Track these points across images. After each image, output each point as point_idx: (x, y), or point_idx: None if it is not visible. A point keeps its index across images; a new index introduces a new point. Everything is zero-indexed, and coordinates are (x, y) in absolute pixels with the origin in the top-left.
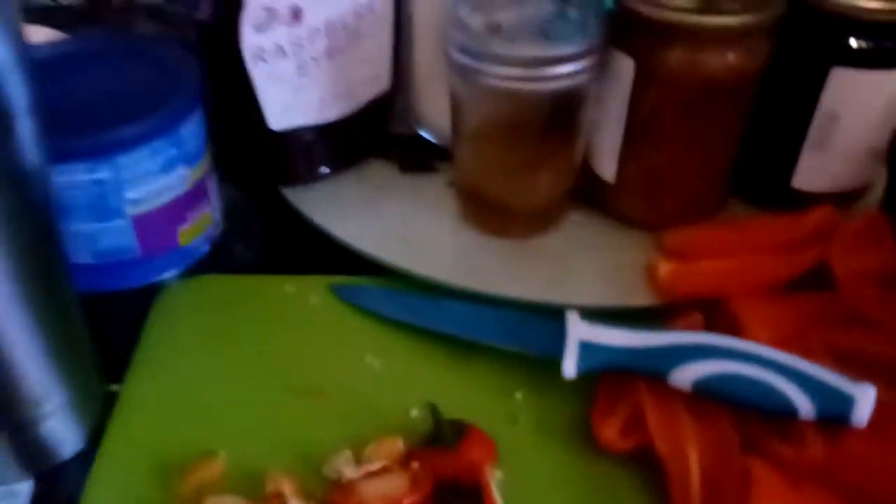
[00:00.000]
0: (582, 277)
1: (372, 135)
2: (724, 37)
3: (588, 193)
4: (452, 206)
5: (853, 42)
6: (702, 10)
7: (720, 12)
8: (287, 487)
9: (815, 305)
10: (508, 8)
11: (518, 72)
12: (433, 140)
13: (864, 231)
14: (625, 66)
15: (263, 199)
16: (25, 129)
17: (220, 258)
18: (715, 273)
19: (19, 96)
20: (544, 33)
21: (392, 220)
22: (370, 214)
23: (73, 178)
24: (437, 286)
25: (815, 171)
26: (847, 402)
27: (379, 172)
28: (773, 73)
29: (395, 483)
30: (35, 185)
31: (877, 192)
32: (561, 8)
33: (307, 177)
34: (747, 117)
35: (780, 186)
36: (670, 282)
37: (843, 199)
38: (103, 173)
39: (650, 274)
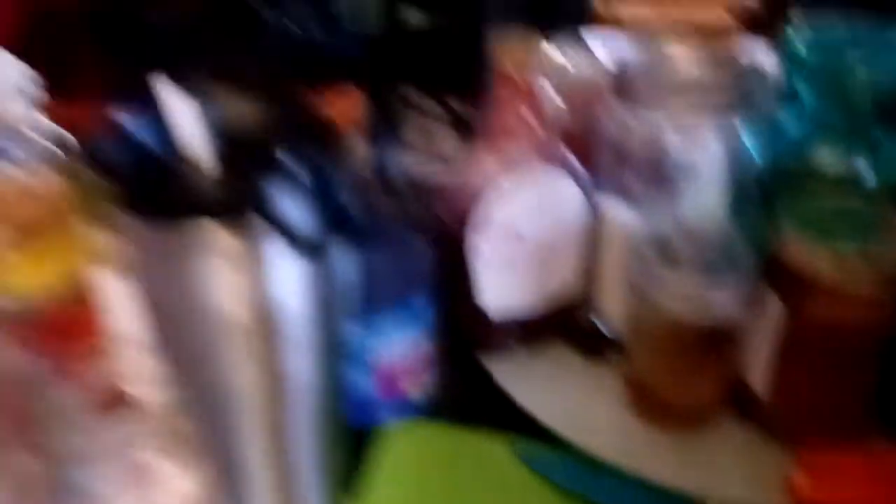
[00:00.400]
0: (724, 472)
1: (561, 324)
2: (866, 295)
3: (739, 399)
4: (619, 392)
5: None
6: (845, 274)
7: (862, 280)
8: None
9: None
10: (678, 242)
11: (686, 296)
12: (608, 332)
13: None
14: (773, 304)
15: (468, 361)
16: None
17: (434, 409)
18: (845, 495)
19: None
20: (706, 266)
21: (570, 397)
22: (551, 388)
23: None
24: (598, 459)
25: None
26: None
27: (562, 354)
28: None
29: None
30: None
31: None
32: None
33: (501, 349)
34: (883, 363)
35: None
36: (806, 497)
37: None
38: (359, 335)
39: (789, 485)
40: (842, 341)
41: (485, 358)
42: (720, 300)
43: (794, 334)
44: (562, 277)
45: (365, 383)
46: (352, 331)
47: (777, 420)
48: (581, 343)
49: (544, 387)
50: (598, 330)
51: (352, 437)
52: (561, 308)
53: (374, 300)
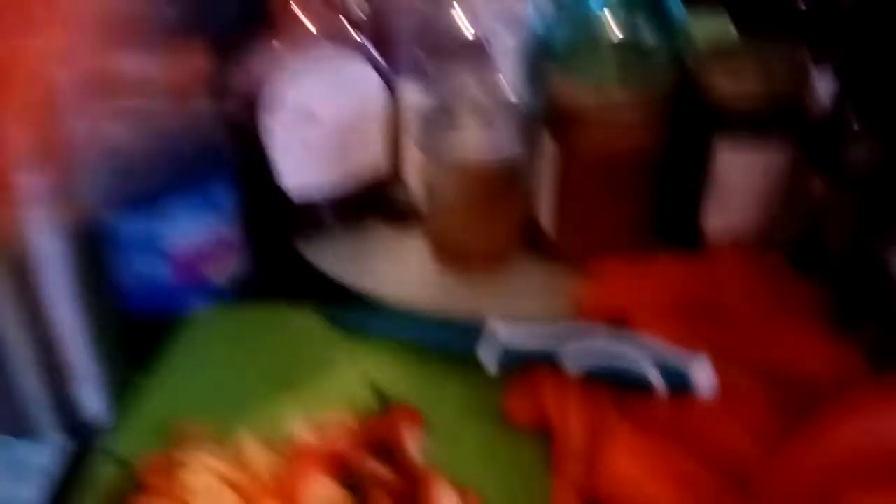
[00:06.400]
0: (522, 299)
1: (371, 203)
2: (627, 126)
3: (534, 238)
4: (425, 252)
5: (734, 127)
6: (603, 102)
7: (618, 105)
8: (248, 436)
9: (698, 321)
10: (463, 112)
11: (466, 152)
12: (413, 202)
13: (759, 271)
14: (551, 148)
15: (280, 247)
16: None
17: (241, 295)
18: (622, 294)
19: None
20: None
21: (379, 262)
22: (362, 258)
23: (127, 223)
24: (410, 308)
25: (718, 224)
26: (687, 373)
27: (373, 227)
28: (674, 149)
29: (335, 437)
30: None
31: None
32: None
33: (314, 232)
34: (656, 180)
35: (691, 234)
36: (586, 300)
37: (748, 247)
38: (148, 225)
39: (574, 297)
40: (610, 166)
41: (298, 240)
42: (500, 148)
43: (568, 167)
44: (366, 157)
45: (161, 270)
46: (137, 218)
47: (564, 248)
48: (390, 216)
49: (357, 259)
50: (404, 202)
51: (150, 325)
52: (371, 186)
53: (166, 186)
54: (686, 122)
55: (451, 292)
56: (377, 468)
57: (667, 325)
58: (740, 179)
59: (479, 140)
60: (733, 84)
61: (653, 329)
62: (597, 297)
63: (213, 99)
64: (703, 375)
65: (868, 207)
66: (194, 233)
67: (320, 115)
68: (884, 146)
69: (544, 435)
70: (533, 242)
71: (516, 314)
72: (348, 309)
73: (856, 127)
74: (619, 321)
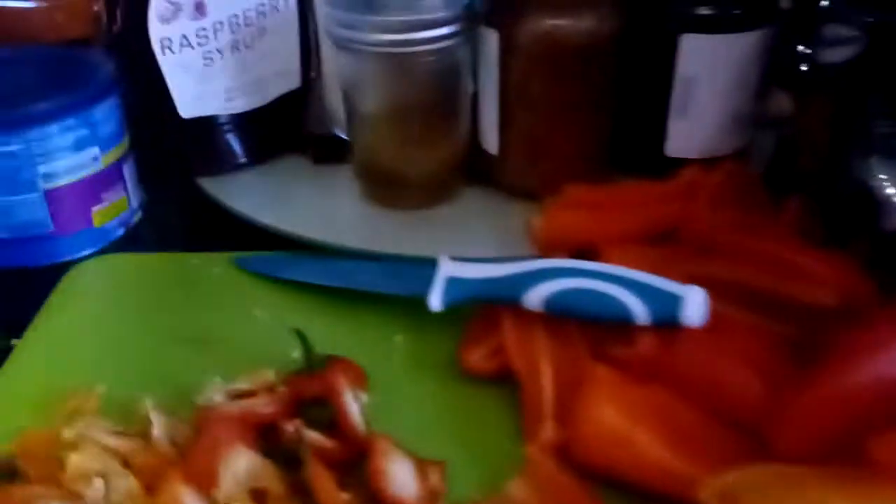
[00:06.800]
0: (468, 238)
1: (287, 131)
2: (574, 4)
3: (479, 169)
4: (357, 188)
5: (698, 10)
6: None
7: None
8: (150, 405)
9: (677, 247)
10: None
11: (391, 38)
12: (345, 137)
13: (729, 187)
14: (490, 39)
15: (182, 189)
16: None
17: (136, 242)
18: (586, 222)
19: None
20: (414, 5)
21: (301, 202)
22: (282, 198)
23: None
24: (338, 251)
25: (683, 137)
26: (677, 302)
27: (294, 165)
28: (632, 42)
29: (254, 400)
30: None
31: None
32: None
33: (224, 168)
34: (611, 85)
35: (654, 154)
36: (544, 233)
37: (715, 165)
38: (15, 146)
39: (529, 230)
40: (560, 59)
41: (204, 181)
42: (427, 36)
43: (512, 64)
44: (275, 65)
45: (34, 211)
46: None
47: (512, 175)
48: (314, 150)
49: (272, 196)
50: (332, 136)
51: (24, 278)
52: (283, 102)
53: (35, 105)
54: (646, 4)
55: (384, 232)
56: (310, 435)
57: (639, 254)
58: (707, 75)
59: (406, 24)
60: None
61: (623, 260)
62: (554, 229)
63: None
64: (695, 306)
65: (843, 111)
66: (73, 164)
67: (217, 17)
68: (864, 33)
69: (507, 385)
70: (478, 174)
71: (456, 253)
72: (264, 255)
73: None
74: (582, 254)
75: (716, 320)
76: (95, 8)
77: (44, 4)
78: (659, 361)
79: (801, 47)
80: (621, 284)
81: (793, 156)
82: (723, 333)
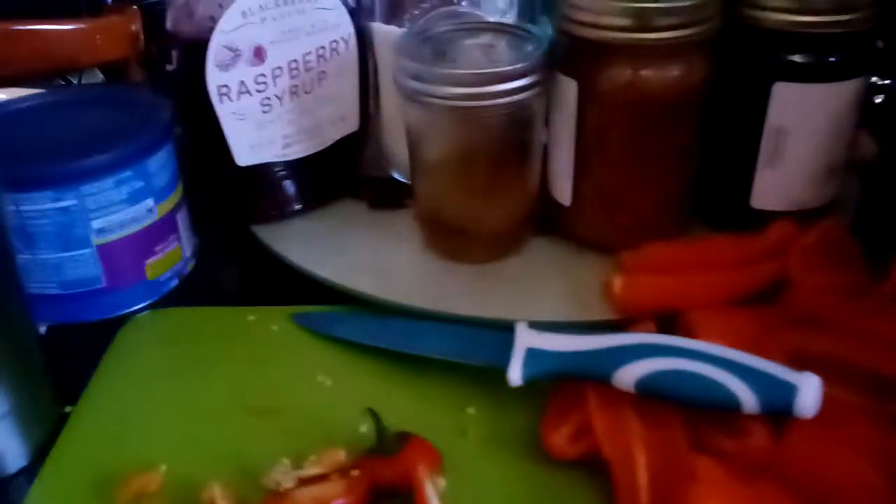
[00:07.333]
0: (540, 296)
1: (343, 175)
2: (660, 54)
3: (549, 220)
4: (418, 237)
5: (792, 57)
6: (637, 29)
7: (655, 29)
8: (217, 492)
9: (772, 315)
10: (453, 40)
11: (464, 91)
12: (403, 180)
13: (822, 244)
14: (568, 88)
15: (235, 236)
16: None
17: (189, 294)
18: (671, 286)
19: None
20: (487, 57)
21: (359, 252)
22: (338, 247)
23: (40, 207)
24: (401, 310)
25: (771, 188)
26: (790, 391)
27: (349, 211)
28: (719, 90)
29: (329, 487)
30: None
31: (847, 211)
32: (500, 36)
33: (277, 215)
34: (696, 136)
35: (739, 207)
36: (625, 295)
37: (805, 218)
38: (69, 201)
39: (607, 290)
40: (642, 110)
41: (258, 229)
42: (502, 89)
43: (590, 114)
44: (333, 112)
45: (85, 267)
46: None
47: (586, 228)
48: (370, 195)
49: (330, 247)
50: (389, 178)
51: (77, 339)
52: (341, 156)
53: (87, 158)
54: (737, 51)
55: (448, 288)
56: None
57: (732, 323)
58: (800, 124)
59: (479, 77)
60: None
61: (715, 330)
62: (636, 291)
63: (148, 55)
64: (810, 395)
65: None
66: (128, 218)
67: (276, 62)
68: None
69: (594, 469)
70: (549, 225)
71: (529, 314)
72: (322, 310)
73: None
74: (665, 319)
75: (828, 406)
76: (133, 28)
77: (82, 26)
78: (770, 455)
79: (875, 79)
80: (728, 369)
81: (888, 203)
82: (837, 421)
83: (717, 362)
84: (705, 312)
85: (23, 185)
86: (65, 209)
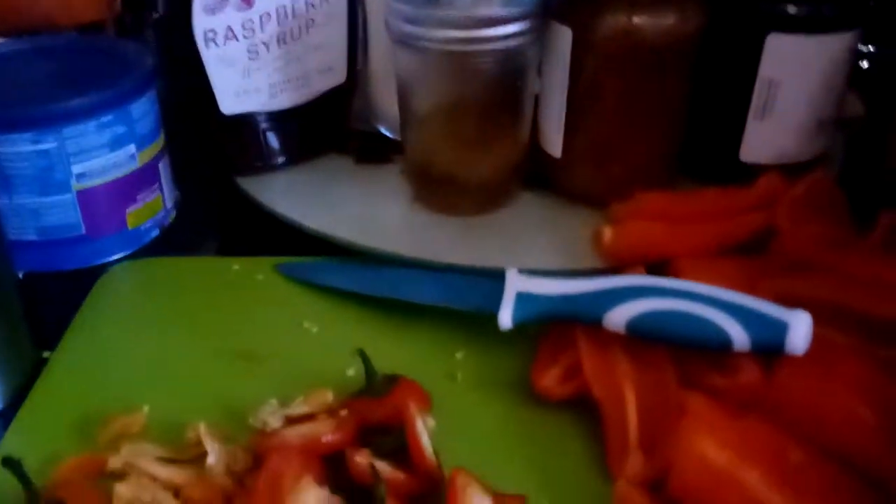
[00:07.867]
0: (529, 247)
1: (330, 128)
2: (657, 1)
3: (539, 173)
4: (406, 191)
5: (787, 7)
6: None
7: None
8: (203, 430)
9: (760, 264)
10: None
11: (456, 34)
12: (390, 134)
13: (809, 197)
14: (562, 36)
15: (217, 189)
16: None
17: (170, 244)
18: (660, 233)
19: None
20: (481, 1)
21: (346, 206)
22: (325, 200)
23: (19, 149)
24: (389, 259)
25: (761, 141)
26: (781, 329)
27: (335, 165)
28: (712, 41)
29: (318, 426)
30: None
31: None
32: None
33: (262, 166)
34: (689, 87)
35: (728, 160)
36: (615, 244)
37: (793, 172)
38: (48, 144)
39: (597, 240)
40: (637, 59)
41: (243, 181)
42: (496, 33)
43: (583, 62)
44: (321, 60)
45: (65, 213)
46: (30, 142)
47: (577, 180)
48: (357, 149)
49: (317, 197)
50: (376, 132)
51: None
52: (328, 108)
53: (69, 101)
54: (731, 1)
55: (438, 239)
56: (382, 467)
57: (720, 270)
58: (792, 76)
59: (472, 20)
60: None
61: (704, 276)
62: (627, 240)
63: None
64: (800, 332)
65: None
66: (109, 163)
67: (264, 7)
68: None
69: (584, 410)
70: (539, 178)
71: (518, 264)
72: (308, 261)
73: None
74: (655, 267)
75: (818, 345)
76: None
77: None
78: (761, 392)
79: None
80: (719, 308)
81: (874, 161)
82: (828, 360)
83: (709, 301)
84: (694, 260)
85: (2, 126)
86: (45, 152)
